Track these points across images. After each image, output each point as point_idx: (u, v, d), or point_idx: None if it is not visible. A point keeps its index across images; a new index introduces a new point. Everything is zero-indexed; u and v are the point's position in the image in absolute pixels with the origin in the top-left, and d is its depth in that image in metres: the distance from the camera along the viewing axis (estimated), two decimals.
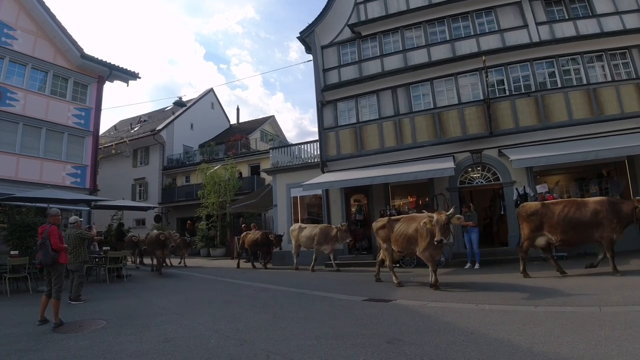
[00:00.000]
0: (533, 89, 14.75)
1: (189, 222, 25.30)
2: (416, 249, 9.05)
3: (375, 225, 10.32)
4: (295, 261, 15.00)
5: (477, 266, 12.20)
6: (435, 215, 8.29)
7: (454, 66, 15.68)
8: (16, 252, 11.04)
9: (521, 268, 9.50)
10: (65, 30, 17.93)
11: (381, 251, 10.29)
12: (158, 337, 5.57)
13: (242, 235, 17.03)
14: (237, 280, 12.60)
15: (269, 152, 21.33)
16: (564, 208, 9.23)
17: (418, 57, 16.36)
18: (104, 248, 13.93)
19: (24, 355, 5.05)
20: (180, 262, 19.02)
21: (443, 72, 15.86)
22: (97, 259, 13.48)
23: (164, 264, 16.65)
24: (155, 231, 16.66)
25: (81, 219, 11.48)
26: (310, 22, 18.28)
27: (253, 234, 16.43)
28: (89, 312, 7.78)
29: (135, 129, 35.54)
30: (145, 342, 5.35)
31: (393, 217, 10.17)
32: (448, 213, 8.30)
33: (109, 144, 29.64)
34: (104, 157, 23.79)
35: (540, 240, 9.56)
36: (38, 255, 6.85)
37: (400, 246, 9.49)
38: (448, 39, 16.21)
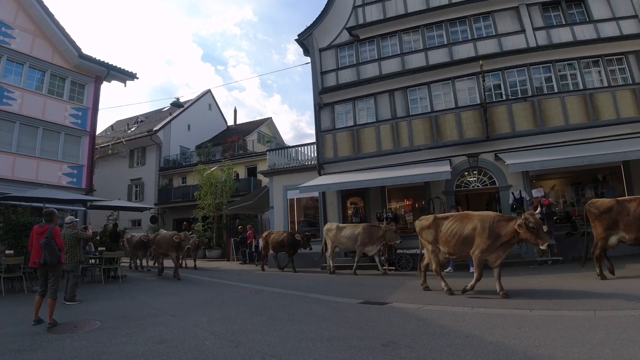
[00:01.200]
0: (530, 93, 14.83)
1: (185, 223, 25.23)
2: (471, 251, 8.09)
3: (419, 224, 9.23)
4: (331, 264, 13.97)
5: (450, 269, 12.17)
6: (530, 217, 7.39)
7: (452, 70, 15.76)
8: (11, 251, 10.99)
9: (597, 271, 8.72)
10: (64, 29, 17.92)
11: (425, 254, 9.31)
12: (153, 339, 5.56)
13: (264, 235, 16.25)
14: (233, 282, 12.59)
15: (266, 153, 21.33)
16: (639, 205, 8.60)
17: (416, 60, 16.43)
18: (99, 248, 13.92)
19: (18, 355, 5.03)
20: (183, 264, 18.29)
21: (440, 76, 15.93)
22: (93, 260, 13.45)
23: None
24: (163, 231, 16.06)
25: (77, 219, 11.44)
26: (308, 24, 18.37)
27: (277, 234, 15.48)
28: (83, 312, 7.75)
29: (132, 129, 35.48)
30: (140, 344, 5.34)
31: (439, 216, 9.09)
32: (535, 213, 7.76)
33: (105, 144, 29.60)
34: (100, 157, 23.78)
35: (613, 240, 8.83)
36: (37, 255, 6.76)
37: (451, 247, 8.44)
38: (446, 43, 16.30)
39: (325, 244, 14.28)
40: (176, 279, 13.26)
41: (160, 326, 6.31)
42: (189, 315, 7.25)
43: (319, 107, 17.58)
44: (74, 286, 9.04)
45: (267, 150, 21.62)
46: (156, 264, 15.81)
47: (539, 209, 8.90)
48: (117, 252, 14.29)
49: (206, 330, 5.98)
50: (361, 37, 17.59)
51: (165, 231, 16.10)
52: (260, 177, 25.63)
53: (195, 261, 18.46)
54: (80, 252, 9.40)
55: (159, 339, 5.51)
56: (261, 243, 16.49)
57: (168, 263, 15.40)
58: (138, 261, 17.84)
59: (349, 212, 17.26)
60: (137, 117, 38.47)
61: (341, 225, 14.24)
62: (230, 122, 41.79)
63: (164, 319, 6.89)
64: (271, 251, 15.76)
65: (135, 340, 5.51)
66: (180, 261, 15.19)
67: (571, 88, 14.63)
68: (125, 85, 20.91)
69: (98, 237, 17.13)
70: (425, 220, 9.11)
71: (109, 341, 5.53)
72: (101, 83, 19.74)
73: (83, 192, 17.94)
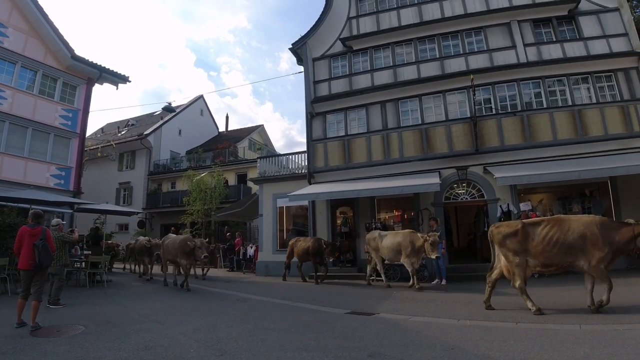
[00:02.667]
0: (519, 108, 14.99)
1: (172, 228, 25.02)
2: (579, 262, 6.97)
3: (501, 232, 7.65)
4: (384, 278, 12.37)
5: (443, 282, 12.18)
6: None
7: (443, 83, 15.91)
8: None
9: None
10: (57, 30, 17.81)
11: (497, 266, 7.88)
12: (137, 345, 5.50)
13: (290, 242, 14.92)
14: (220, 289, 12.51)
15: (256, 161, 21.30)
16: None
17: (408, 73, 16.56)
18: (85, 252, 13.77)
19: (0, 358, 4.95)
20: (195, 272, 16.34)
21: (432, 88, 16.07)
22: (78, 263, 13.29)
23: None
24: (172, 235, 14.64)
25: (63, 222, 11.34)
26: (302, 34, 18.45)
27: (304, 241, 14.23)
28: (67, 316, 7.65)
29: (123, 133, 35.32)
30: (123, 350, 5.28)
31: (527, 221, 7.76)
32: None
33: (95, 147, 29.36)
34: (89, 159, 23.56)
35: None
36: (30, 257, 6.63)
37: (549, 258, 7.20)
38: (438, 56, 16.46)
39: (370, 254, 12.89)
40: (185, 289, 11.86)
41: (144, 333, 6.25)
42: (174, 322, 7.18)
43: (310, 116, 17.62)
44: (58, 289, 8.95)
45: (257, 158, 21.59)
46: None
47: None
48: (102, 256, 14.13)
49: (191, 338, 5.93)
50: (354, 48, 17.72)
51: (174, 235, 14.77)
52: (250, 184, 25.57)
53: (203, 270, 16.33)
54: (65, 256, 9.33)
55: (143, 346, 5.45)
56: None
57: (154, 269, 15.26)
58: (142, 267, 16.47)
59: (339, 221, 17.26)
60: (128, 120, 38.31)
61: (383, 232, 12.72)
62: (222, 129, 41.75)
63: (149, 326, 6.82)
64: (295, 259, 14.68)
65: (118, 347, 5.44)
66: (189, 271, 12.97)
67: (560, 104, 14.82)
68: (117, 88, 20.80)
69: (84, 241, 16.95)
70: (509, 227, 7.69)
71: (92, 346, 5.46)
72: (93, 85, 19.61)
73: (70, 195, 17.75)
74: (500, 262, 7.80)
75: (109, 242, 19.36)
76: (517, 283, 7.34)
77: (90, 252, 14.09)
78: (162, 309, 8.81)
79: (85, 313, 8.07)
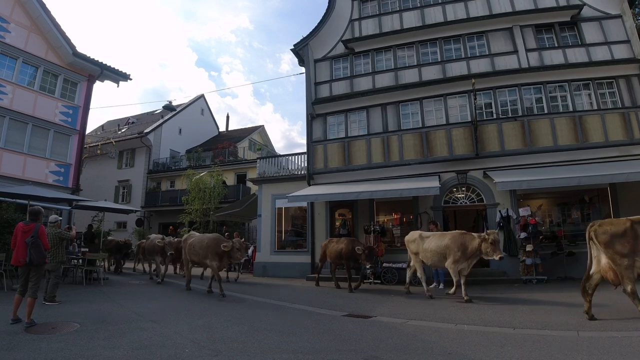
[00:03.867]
0: (520, 113, 14.98)
1: (171, 227, 25.01)
2: None
3: (606, 230, 6.76)
4: (424, 286, 10.60)
5: (441, 286, 12.15)
6: None
7: (444, 87, 15.89)
8: None
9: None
10: (59, 26, 17.81)
11: (596, 270, 6.99)
12: (132, 344, 5.47)
13: (323, 243, 13.66)
14: (217, 289, 12.39)
15: (256, 161, 21.27)
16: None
17: (409, 76, 16.55)
18: (82, 249, 13.73)
19: None
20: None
21: (433, 92, 16.05)
22: (75, 260, 13.25)
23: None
24: (195, 233, 13.19)
25: (61, 218, 11.30)
26: (304, 35, 18.44)
27: (336, 242, 12.82)
28: (63, 314, 7.62)
29: (123, 131, 35.27)
30: (118, 348, 5.25)
31: (635, 218, 6.75)
32: None
33: (94, 144, 29.35)
34: (88, 156, 23.54)
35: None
36: (22, 253, 6.63)
37: None
38: (439, 60, 16.45)
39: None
40: (221, 295, 10.35)
41: (139, 332, 6.21)
42: (170, 321, 7.14)
43: (311, 118, 17.61)
44: (54, 286, 8.91)
45: (257, 158, 21.55)
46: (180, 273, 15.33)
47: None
48: (99, 253, 14.10)
49: (186, 337, 5.90)
50: (356, 50, 17.71)
51: (197, 233, 13.33)
52: (249, 184, 25.53)
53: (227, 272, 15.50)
54: (62, 253, 9.30)
55: (138, 345, 5.42)
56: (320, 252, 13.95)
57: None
58: (154, 267, 15.16)
59: (337, 223, 17.22)
60: (129, 118, 38.28)
61: (426, 234, 11.06)
62: (222, 128, 41.74)
63: (144, 325, 6.79)
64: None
65: (113, 345, 5.41)
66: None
67: (561, 109, 14.80)
68: (118, 86, 20.83)
69: (82, 238, 16.93)
70: (615, 225, 6.81)
71: (86, 344, 5.43)
72: (94, 82, 19.60)
73: (69, 192, 17.71)
74: (600, 264, 6.92)
75: (121, 240, 18.86)
76: (629, 287, 6.48)
77: (87, 250, 14.04)
78: (158, 308, 8.78)
79: (81, 311, 8.04)
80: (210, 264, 10.90)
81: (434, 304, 9.30)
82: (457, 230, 10.73)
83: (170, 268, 17.08)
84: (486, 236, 9.38)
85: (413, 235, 11.12)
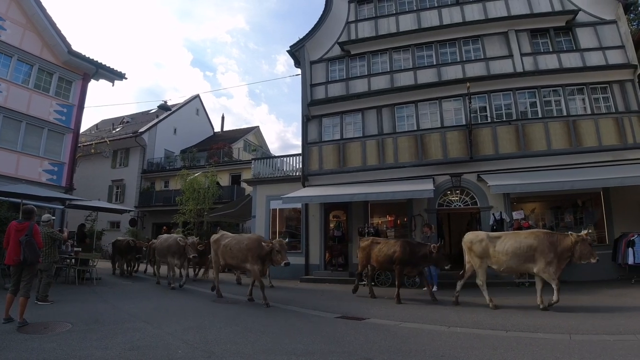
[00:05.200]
0: (514, 117, 15.06)
1: (164, 227, 24.88)
2: None
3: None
4: (487, 295, 8.96)
5: (434, 288, 12.03)
6: None
7: (439, 90, 15.96)
8: None
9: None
10: (55, 24, 17.71)
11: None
12: (124, 344, 5.45)
13: (364, 243, 11.47)
14: (210, 290, 12.34)
15: (251, 162, 21.25)
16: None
17: (404, 79, 16.60)
18: (75, 249, 13.65)
19: None
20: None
21: (428, 95, 16.11)
22: (68, 260, 13.18)
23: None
24: (224, 232, 11.68)
25: (54, 217, 11.25)
26: (300, 37, 18.46)
27: (386, 244, 10.84)
28: (55, 313, 7.59)
29: (117, 130, 35.12)
30: (110, 349, 5.23)
31: None
32: None
33: (89, 143, 29.22)
34: (82, 155, 23.41)
35: None
36: (16, 252, 6.60)
37: None
38: (435, 63, 16.52)
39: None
40: (264, 305, 9.11)
41: (132, 332, 6.19)
42: (162, 322, 7.12)
43: (306, 119, 17.61)
44: (46, 286, 8.87)
45: (252, 159, 21.55)
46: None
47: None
48: (92, 253, 14.02)
49: (179, 338, 5.88)
50: (352, 53, 17.75)
51: (229, 233, 11.78)
52: (243, 185, 25.49)
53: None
54: (55, 252, 9.25)
55: (130, 346, 5.40)
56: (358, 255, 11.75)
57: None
58: (177, 271, 13.18)
59: (331, 225, 17.23)
60: (123, 117, 38.11)
61: (493, 234, 9.67)
62: (217, 129, 41.67)
63: (137, 325, 6.77)
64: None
65: (105, 345, 5.39)
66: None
67: (555, 114, 14.90)
68: (113, 85, 20.71)
69: (73, 237, 16.82)
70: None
71: (78, 345, 5.41)
72: (89, 81, 19.50)
73: (62, 191, 17.61)
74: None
75: (132, 241, 16.82)
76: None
77: (80, 249, 13.96)
78: (151, 308, 8.76)
79: (73, 310, 8.00)
80: (251, 268, 9.68)
81: (427, 306, 9.32)
82: (537, 230, 9.70)
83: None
84: (585, 236, 8.15)
85: (477, 235, 9.53)
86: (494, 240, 9.08)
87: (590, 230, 8.39)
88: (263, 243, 9.51)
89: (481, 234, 9.52)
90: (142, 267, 18.34)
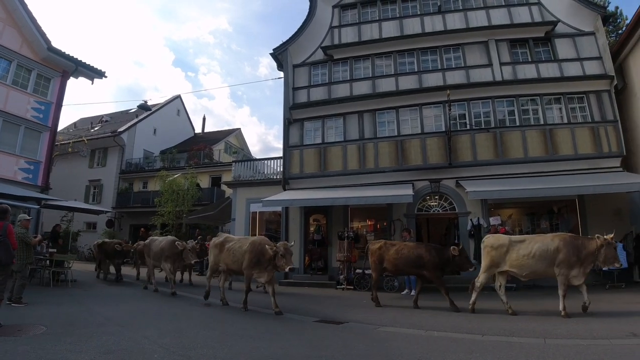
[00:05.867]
0: (492, 125, 15.33)
1: (142, 229, 24.63)
2: None
3: None
4: (505, 300, 8.66)
5: (413, 292, 12.06)
6: None
7: (420, 97, 16.15)
8: None
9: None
10: (35, 20, 17.31)
11: None
12: (99, 348, 5.36)
13: (374, 247, 10.59)
14: (188, 294, 12.26)
15: (231, 164, 21.15)
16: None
17: (386, 85, 16.76)
18: (50, 250, 13.38)
19: None
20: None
21: (409, 101, 16.29)
22: (43, 261, 12.91)
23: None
24: (225, 235, 10.71)
25: (29, 217, 10.99)
26: (283, 40, 18.47)
27: (406, 247, 10.24)
28: (29, 316, 7.43)
29: (96, 129, 34.55)
30: (85, 352, 5.14)
31: None
32: None
33: (66, 141, 28.66)
34: (59, 154, 22.96)
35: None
36: None
37: None
38: (416, 70, 16.72)
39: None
40: (276, 312, 8.50)
41: (107, 336, 6.10)
42: (138, 326, 7.03)
43: (288, 123, 17.61)
44: (20, 287, 8.69)
45: (233, 161, 21.44)
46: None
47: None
48: (67, 255, 13.76)
49: (155, 342, 5.81)
50: (335, 57, 17.84)
51: (233, 235, 11.28)
52: (224, 187, 25.33)
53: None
54: (29, 253, 9.07)
55: (105, 350, 5.32)
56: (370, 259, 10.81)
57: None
58: (171, 276, 11.95)
59: (311, 228, 17.25)
60: (102, 116, 37.52)
61: (516, 238, 9.19)
62: (198, 130, 41.34)
63: (112, 329, 6.67)
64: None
65: (80, 349, 5.30)
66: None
67: (532, 122, 15.22)
68: (92, 83, 20.28)
69: (48, 238, 16.48)
70: None
71: (52, 348, 5.30)
72: (68, 78, 19.12)
73: (38, 190, 17.22)
74: None
75: (118, 244, 15.08)
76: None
77: (55, 250, 13.68)
78: (127, 311, 8.63)
79: (48, 313, 7.85)
80: (246, 272, 9.06)
81: (405, 310, 9.39)
82: (560, 233, 9.23)
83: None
84: (606, 240, 7.91)
85: (498, 239, 9.02)
86: (517, 244, 8.71)
87: (613, 235, 8.07)
88: (267, 246, 8.63)
89: (503, 238, 9.05)
90: (125, 270, 17.95)
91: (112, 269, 15.90)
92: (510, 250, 8.63)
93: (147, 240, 13.42)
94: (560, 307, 7.83)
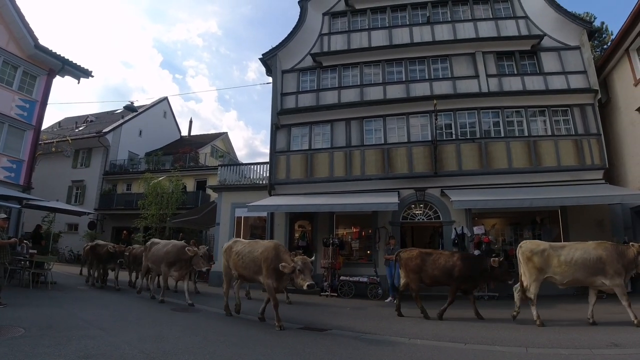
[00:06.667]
0: (478, 135, 15.52)
1: (124, 232, 24.29)
2: None
3: None
4: (534, 313, 8.22)
5: (396, 300, 12.22)
6: None
7: (407, 106, 16.29)
8: None
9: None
10: (23, 17, 17.10)
11: None
12: (78, 352, 5.27)
13: (405, 256, 9.86)
14: (170, 298, 12.08)
15: (217, 168, 21.04)
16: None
17: (374, 93, 16.87)
18: (30, 251, 13.15)
19: None
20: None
21: (396, 110, 16.41)
22: (22, 262, 12.68)
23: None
24: (241, 240, 9.93)
25: (7, 217, 10.78)
26: (273, 45, 18.50)
27: (442, 255, 9.66)
28: (7, 317, 7.28)
29: (80, 129, 34.14)
30: (64, 356, 5.05)
31: None
32: None
33: (50, 141, 28.25)
34: (42, 153, 22.61)
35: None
36: None
37: None
38: (404, 79, 16.86)
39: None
40: (278, 327, 7.66)
41: (87, 339, 6.00)
42: (119, 330, 6.93)
43: (275, 128, 17.59)
44: None
45: (219, 165, 21.32)
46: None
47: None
48: (48, 256, 13.53)
49: (135, 347, 5.73)
50: (324, 64, 17.91)
51: (240, 239, 10.34)
52: (209, 191, 25.19)
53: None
54: (7, 254, 8.91)
55: (84, 354, 5.23)
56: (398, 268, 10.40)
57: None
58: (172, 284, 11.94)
59: (297, 234, 17.22)
60: (87, 116, 37.10)
61: (556, 244, 8.84)
62: (185, 133, 41.11)
63: (92, 332, 6.56)
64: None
65: (58, 352, 5.21)
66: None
67: (517, 134, 15.44)
68: (78, 82, 20.04)
69: (30, 238, 16.19)
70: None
71: (30, 351, 5.21)
72: (54, 77, 18.89)
73: (20, 189, 16.94)
74: None
75: (111, 247, 13.78)
76: None
77: (35, 251, 13.45)
78: (107, 315, 8.50)
79: (27, 315, 7.69)
80: (265, 282, 8.16)
81: (389, 318, 9.42)
82: (600, 241, 8.46)
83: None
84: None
85: (538, 245, 8.68)
86: (558, 250, 8.44)
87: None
88: (285, 256, 7.99)
89: (543, 244, 8.72)
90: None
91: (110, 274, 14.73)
92: (552, 255, 8.37)
93: (148, 243, 12.61)
94: (632, 317, 7.56)
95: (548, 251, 8.41)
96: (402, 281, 9.87)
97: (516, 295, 8.76)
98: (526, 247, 8.71)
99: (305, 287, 7.40)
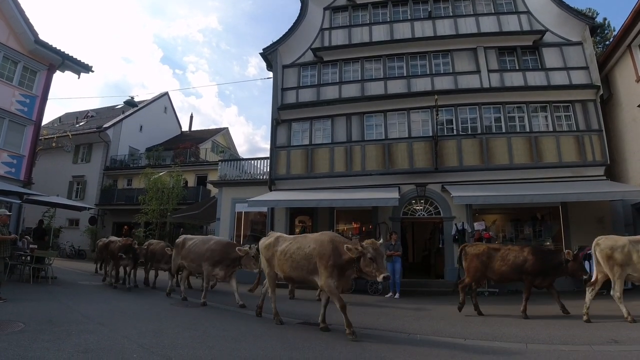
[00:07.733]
0: (479, 131, 15.47)
1: (125, 227, 24.34)
2: None
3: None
4: (624, 310, 7.68)
5: (397, 296, 12.26)
6: None
7: (408, 101, 16.23)
8: None
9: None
10: (24, 12, 17.01)
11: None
12: (77, 347, 5.27)
13: (474, 252, 9.33)
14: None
15: (217, 163, 21.02)
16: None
17: (375, 88, 16.81)
18: (31, 246, 13.17)
19: None
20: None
21: (397, 105, 16.36)
22: (23, 257, 12.70)
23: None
24: (282, 235, 8.77)
25: (9, 213, 10.78)
26: (273, 40, 18.41)
27: (512, 251, 9.09)
28: (7, 312, 7.30)
29: (81, 124, 34.14)
30: (63, 351, 5.05)
31: None
32: None
33: (50, 136, 28.24)
34: (43, 149, 22.61)
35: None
36: None
37: None
38: (405, 74, 16.80)
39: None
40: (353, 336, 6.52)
41: (86, 334, 6.00)
42: (118, 325, 6.93)
43: (276, 123, 17.56)
44: None
45: (219, 161, 21.31)
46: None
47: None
48: (48, 251, 13.54)
49: (135, 342, 5.73)
50: (325, 59, 17.84)
51: (282, 234, 9.12)
52: (209, 187, 25.18)
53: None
54: (7, 249, 8.91)
55: (84, 348, 5.23)
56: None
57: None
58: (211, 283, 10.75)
59: (297, 230, 17.20)
60: (88, 111, 37.09)
61: (634, 238, 8.10)
62: (185, 128, 41.07)
63: (92, 327, 6.56)
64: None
65: (58, 347, 5.21)
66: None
67: (518, 130, 15.40)
68: (79, 77, 20.06)
69: (32, 234, 16.22)
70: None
71: (30, 345, 5.21)
72: (54, 72, 18.84)
73: (21, 184, 16.92)
74: None
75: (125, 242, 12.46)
76: None
77: (36, 246, 13.46)
78: (107, 310, 8.51)
79: (26, 310, 7.71)
80: (325, 282, 6.96)
81: (388, 313, 9.41)
82: None
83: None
84: None
85: (617, 241, 8.02)
86: (637, 245, 7.78)
87: None
88: (347, 245, 6.65)
89: (622, 239, 8.07)
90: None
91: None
92: (632, 251, 7.73)
93: (180, 239, 11.60)
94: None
95: (628, 247, 7.80)
96: (467, 280, 9.38)
97: (588, 295, 8.16)
98: (605, 243, 8.05)
99: (380, 279, 6.31)
